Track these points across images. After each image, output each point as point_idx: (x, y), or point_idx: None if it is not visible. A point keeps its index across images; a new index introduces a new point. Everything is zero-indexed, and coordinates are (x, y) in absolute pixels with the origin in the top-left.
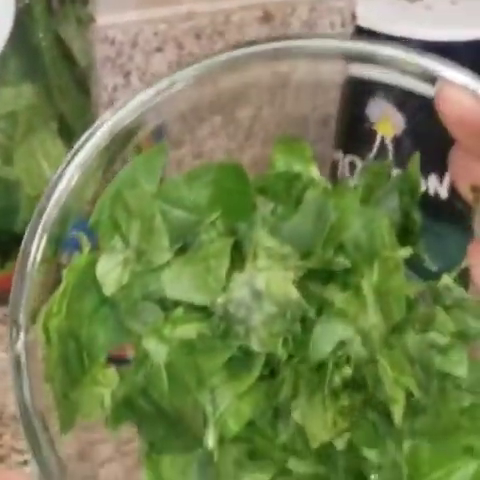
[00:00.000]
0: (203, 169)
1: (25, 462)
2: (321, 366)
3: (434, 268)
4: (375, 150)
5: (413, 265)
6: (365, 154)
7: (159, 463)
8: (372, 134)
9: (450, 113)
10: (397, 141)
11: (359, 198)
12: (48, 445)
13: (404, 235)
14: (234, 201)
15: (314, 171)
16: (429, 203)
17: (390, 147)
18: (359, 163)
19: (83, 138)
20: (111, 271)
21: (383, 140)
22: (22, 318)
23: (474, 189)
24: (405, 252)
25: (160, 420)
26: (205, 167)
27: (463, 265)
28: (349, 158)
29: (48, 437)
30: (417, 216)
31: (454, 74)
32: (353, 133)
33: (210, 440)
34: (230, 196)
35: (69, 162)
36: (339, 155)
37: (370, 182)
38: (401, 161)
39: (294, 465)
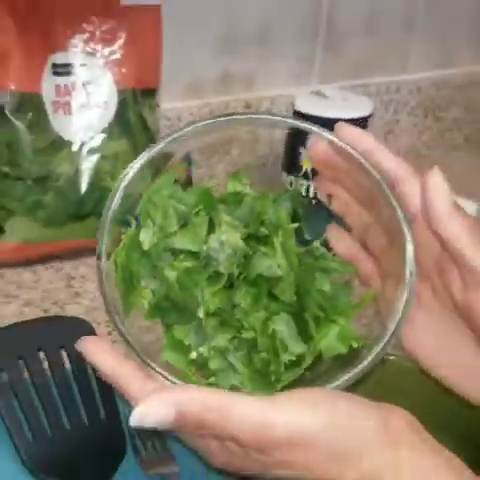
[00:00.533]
0: (195, 187)
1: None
2: (256, 279)
3: (309, 237)
4: (302, 173)
5: (298, 235)
6: (297, 175)
7: (172, 332)
8: (301, 166)
9: (314, 155)
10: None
11: (271, 200)
12: (122, 322)
13: (294, 218)
14: (207, 202)
15: (247, 188)
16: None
17: (309, 172)
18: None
19: (137, 160)
20: (147, 236)
21: (306, 169)
22: (103, 256)
23: (328, 196)
24: (293, 226)
25: (174, 310)
26: (196, 186)
27: (324, 236)
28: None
29: (121, 318)
30: (300, 209)
31: (323, 133)
32: (292, 165)
33: (201, 314)
34: (205, 200)
35: (125, 175)
36: (284, 175)
37: (280, 194)
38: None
39: (244, 332)
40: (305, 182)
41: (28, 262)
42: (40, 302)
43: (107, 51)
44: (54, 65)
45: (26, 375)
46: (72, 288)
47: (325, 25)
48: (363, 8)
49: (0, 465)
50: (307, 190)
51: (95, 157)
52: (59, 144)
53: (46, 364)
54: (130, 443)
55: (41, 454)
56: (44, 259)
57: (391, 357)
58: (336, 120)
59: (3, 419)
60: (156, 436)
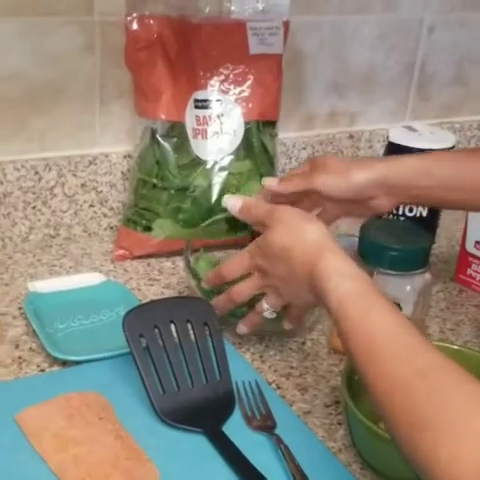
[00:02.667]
0: None
1: None
2: None
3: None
4: None
5: None
6: None
7: None
8: None
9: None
10: None
11: None
12: None
13: None
14: None
15: None
16: None
17: None
18: None
19: None
20: None
21: None
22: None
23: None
24: None
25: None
26: None
27: None
28: None
29: None
30: None
31: None
32: None
33: None
34: None
35: None
36: None
37: None
38: None
39: None
40: None
41: (169, 254)
42: (176, 285)
43: (238, 90)
44: (196, 100)
45: (160, 342)
46: None
47: (418, 72)
48: (452, 59)
49: (138, 415)
50: (397, 209)
51: (224, 174)
52: (197, 162)
53: (175, 334)
54: (238, 401)
55: (170, 406)
56: (181, 252)
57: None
58: (424, 150)
59: (141, 377)
60: (259, 397)
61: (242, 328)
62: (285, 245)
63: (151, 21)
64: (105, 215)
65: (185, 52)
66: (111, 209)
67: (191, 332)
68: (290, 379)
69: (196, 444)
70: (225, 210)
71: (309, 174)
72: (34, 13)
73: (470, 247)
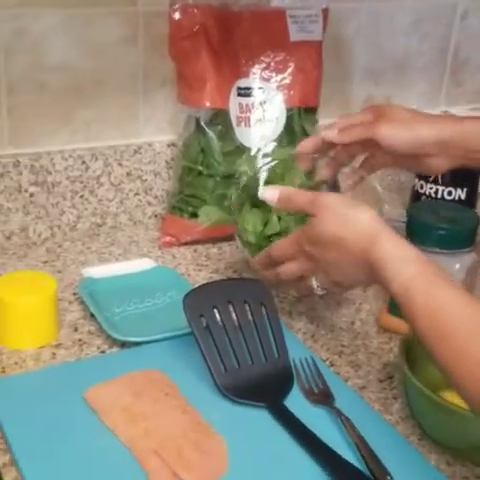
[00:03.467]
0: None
1: None
2: None
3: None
4: (432, 178)
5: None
6: (427, 180)
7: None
8: None
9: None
10: (443, 174)
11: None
12: None
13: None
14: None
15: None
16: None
17: (439, 177)
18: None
19: None
20: None
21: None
22: None
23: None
24: None
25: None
26: None
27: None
28: (420, 182)
29: None
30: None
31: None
32: None
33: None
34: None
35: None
36: (416, 180)
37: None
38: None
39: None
40: (433, 186)
41: (215, 240)
42: (224, 270)
43: (279, 77)
44: (239, 88)
45: (219, 322)
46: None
47: (451, 58)
48: None
49: (201, 392)
50: (436, 193)
51: (268, 160)
52: (241, 149)
53: (234, 314)
54: (296, 377)
55: (232, 382)
56: (227, 238)
57: None
58: None
59: (203, 355)
60: (316, 373)
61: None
62: (335, 233)
63: (194, 10)
64: (150, 203)
65: (227, 41)
66: (155, 197)
67: (249, 312)
68: (342, 357)
69: (259, 418)
70: None
71: (371, 123)
72: (78, 5)
73: None
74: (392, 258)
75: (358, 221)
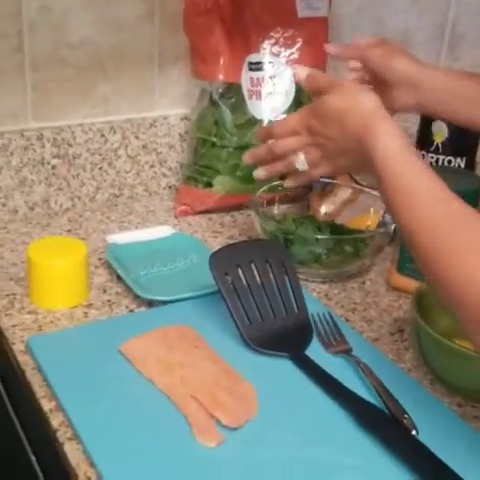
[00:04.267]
0: None
1: None
2: None
3: None
4: (433, 148)
5: None
6: (429, 149)
7: None
8: (433, 141)
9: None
10: (443, 143)
11: None
12: None
13: None
14: None
15: None
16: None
17: (440, 146)
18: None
19: None
20: None
21: (437, 144)
22: None
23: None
24: None
25: None
26: None
27: None
28: (422, 152)
29: None
30: None
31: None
32: (425, 140)
33: None
34: None
35: None
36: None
37: None
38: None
39: None
40: (434, 155)
41: (228, 209)
42: (238, 237)
43: (288, 52)
44: (250, 63)
45: (243, 279)
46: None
47: (449, 33)
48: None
49: (228, 344)
50: (437, 162)
51: None
52: (253, 122)
53: (256, 272)
54: (315, 330)
55: (257, 334)
56: (240, 207)
57: None
58: None
59: (229, 309)
60: (333, 326)
61: (261, 173)
62: (339, 108)
63: None
64: (164, 175)
65: (239, 17)
66: (170, 169)
67: (270, 270)
68: (355, 313)
69: (283, 367)
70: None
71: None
72: None
73: None
74: (383, 134)
75: (363, 101)
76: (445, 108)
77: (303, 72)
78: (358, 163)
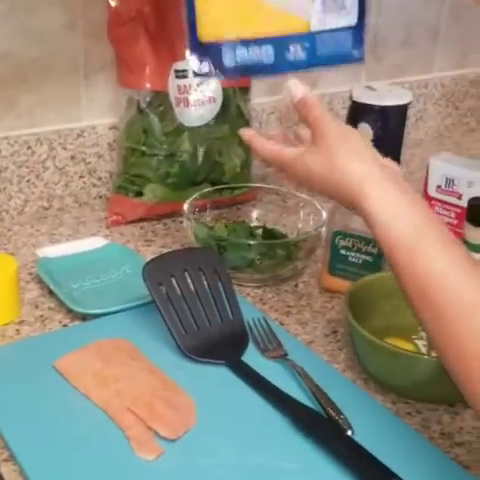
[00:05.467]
0: None
1: None
2: None
3: None
4: None
5: None
6: None
7: None
8: None
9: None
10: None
11: None
12: None
13: None
14: None
15: None
16: None
17: None
18: None
19: None
20: None
21: None
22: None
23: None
24: None
25: None
26: None
27: None
28: None
29: None
30: None
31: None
32: None
33: None
34: None
35: None
36: None
37: None
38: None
39: None
40: None
41: (160, 217)
42: (171, 245)
43: None
44: (176, 71)
45: (177, 288)
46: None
47: (371, 35)
48: (400, 23)
49: (165, 354)
50: None
51: (207, 138)
52: (181, 129)
53: (190, 281)
54: (251, 336)
55: (192, 343)
56: (171, 215)
57: None
58: (384, 107)
59: (164, 320)
60: (269, 331)
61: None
62: (324, 176)
63: None
64: (94, 185)
65: (164, 26)
66: (99, 179)
67: (203, 278)
68: (290, 316)
69: (220, 374)
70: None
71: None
72: None
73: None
74: (380, 213)
75: (352, 173)
76: None
77: (297, 90)
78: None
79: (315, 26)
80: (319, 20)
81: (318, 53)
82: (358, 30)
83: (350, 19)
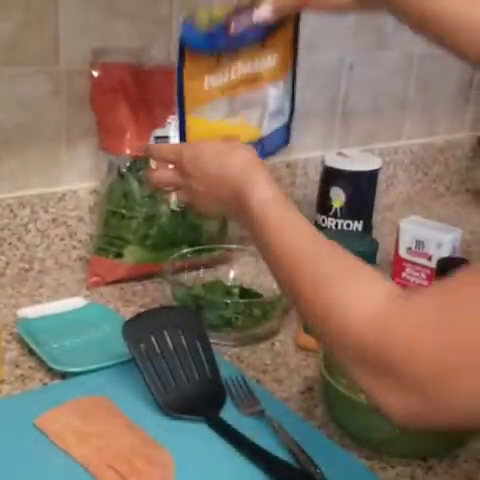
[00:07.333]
0: None
1: None
2: None
3: None
4: (332, 213)
5: None
6: (328, 214)
7: None
8: (331, 205)
9: None
10: (341, 208)
11: None
12: None
13: None
14: None
15: None
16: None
17: (338, 211)
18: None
19: None
20: None
21: (336, 208)
22: None
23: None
24: None
25: None
26: None
27: None
28: (322, 216)
29: None
30: None
31: None
32: (324, 205)
33: None
34: None
35: None
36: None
37: None
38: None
39: None
40: (334, 219)
41: (139, 278)
42: (150, 304)
43: None
44: (156, 137)
45: (156, 347)
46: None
47: (341, 106)
48: (369, 93)
49: (143, 411)
50: (336, 225)
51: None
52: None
53: (169, 339)
54: (229, 393)
55: (170, 399)
56: (150, 276)
57: None
58: (355, 172)
59: (144, 377)
60: (246, 388)
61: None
62: (214, 161)
63: (112, 68)
64: (75, 247)
65: (144, 94)
66: (80, 241)
67: (182, 337)
68: (267, 374)
69: (199, 430)
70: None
71: None
72: (6, 63)
73: (403, 253)
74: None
75: (235, 160)
76: None
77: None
78: (230, 211)
79: (265, 132)
80: (265, 128)
81: (265, 151)
82: (289, 124)
83: (285, 119)
